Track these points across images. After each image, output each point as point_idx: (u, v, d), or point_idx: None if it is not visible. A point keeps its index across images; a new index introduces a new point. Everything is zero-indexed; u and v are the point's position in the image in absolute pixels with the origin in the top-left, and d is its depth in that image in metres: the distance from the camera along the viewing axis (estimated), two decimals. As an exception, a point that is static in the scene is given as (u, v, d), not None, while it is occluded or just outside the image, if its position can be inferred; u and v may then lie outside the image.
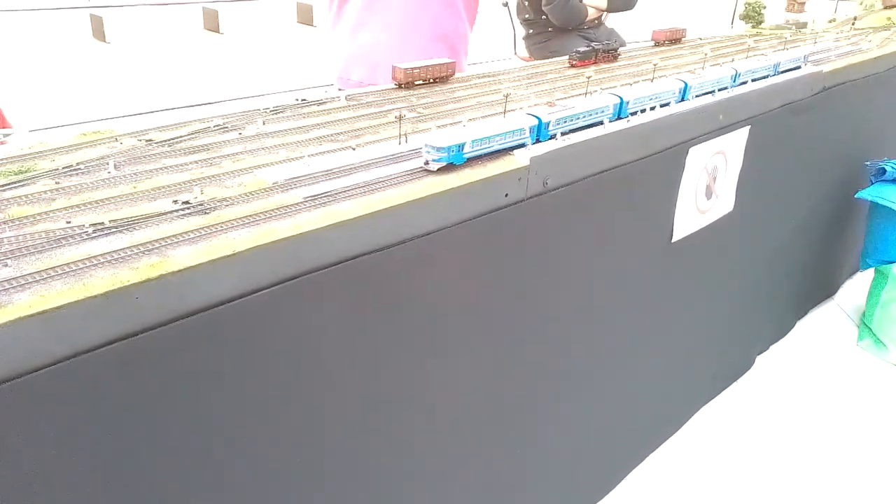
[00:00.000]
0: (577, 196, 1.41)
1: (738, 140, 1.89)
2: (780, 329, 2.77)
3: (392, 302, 1.11)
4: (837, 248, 2.97)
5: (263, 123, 1.35)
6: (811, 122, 2.24)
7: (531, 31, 3.44)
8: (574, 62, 1.99)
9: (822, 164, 2.54)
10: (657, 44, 2.35)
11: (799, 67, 2.10)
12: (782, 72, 2.03)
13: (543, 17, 3.30)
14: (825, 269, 3.02)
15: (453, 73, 1.74)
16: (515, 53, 3.42)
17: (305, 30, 9.71)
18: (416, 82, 1.68)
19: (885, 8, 3.48)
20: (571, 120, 1.38)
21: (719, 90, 1.77)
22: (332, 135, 1.31)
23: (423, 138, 1.22)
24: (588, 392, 1.74)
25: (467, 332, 1.29)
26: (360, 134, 1.33)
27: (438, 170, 1.16)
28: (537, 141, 1.32)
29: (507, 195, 1.25)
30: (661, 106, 1.59)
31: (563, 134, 1.36)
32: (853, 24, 3.04)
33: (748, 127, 1.90)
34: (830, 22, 3.14)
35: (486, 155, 1.22)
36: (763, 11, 2.77)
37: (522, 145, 1.28)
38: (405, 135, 1.29)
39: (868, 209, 2.73)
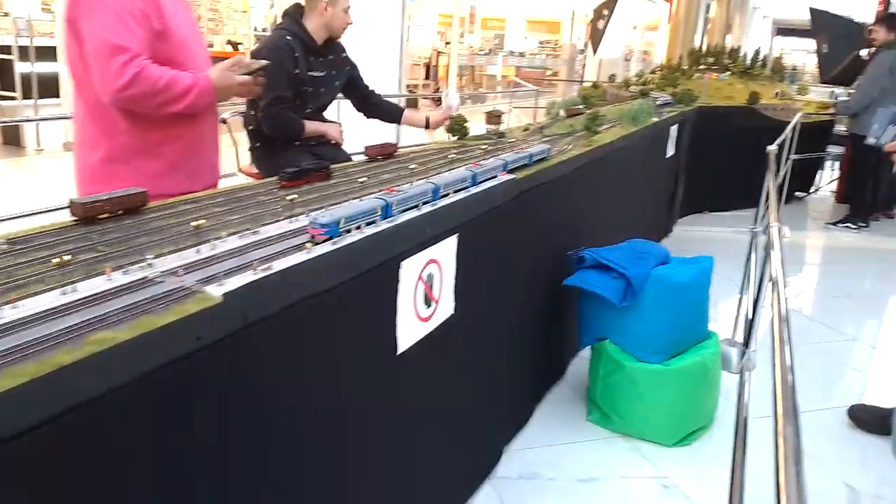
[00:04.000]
0: (287, 325, 1.35)
1: (448, 248, 2.00)
2: (521, 417, 2.92)
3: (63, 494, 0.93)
4: (560, 332, 3.26)
5: None
6: (514, 224, 2.46)
7: (258, 143, 3.43)
8: (284, 182, 1.98)
9: (532, 260, 2.79)
10: (370, 159, 2.44)
11: (496, 176, 2.30)
12: (482, 181, 2.21)
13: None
14: (553, 353, 3.28)
15: (145, 203, 1.62)
16: (239, 170, 3.36)
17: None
18: (101, 216, 1.53)
19: (569, 117, 4.05)
20: (406, 201, 1.73)
21: (423, 204, 1.86)
22: (-23, 292, 1.11)
23: (92, 283, 1.08)
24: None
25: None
26: (18, 287, 1.15)
27: (115, 321, 1.03)
28: (385, 218, 1.64)
29: (198, 339, 1.14)
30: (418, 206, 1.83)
31: (399, 213, 1.70)
32: (542, 132, 3.47)
33: (456, 235, 2.02)
34: (524, 131, 3.55)
35: (352, 230, 1.53)
36: (466, 125, 3.04)
37: (374, 222, 1.60)
38: (72, 282, 1.15)
39: (576, 294, 3.03)
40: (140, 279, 1.20)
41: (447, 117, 3.42)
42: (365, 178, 1.87)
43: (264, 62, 2.44)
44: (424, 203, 1.82)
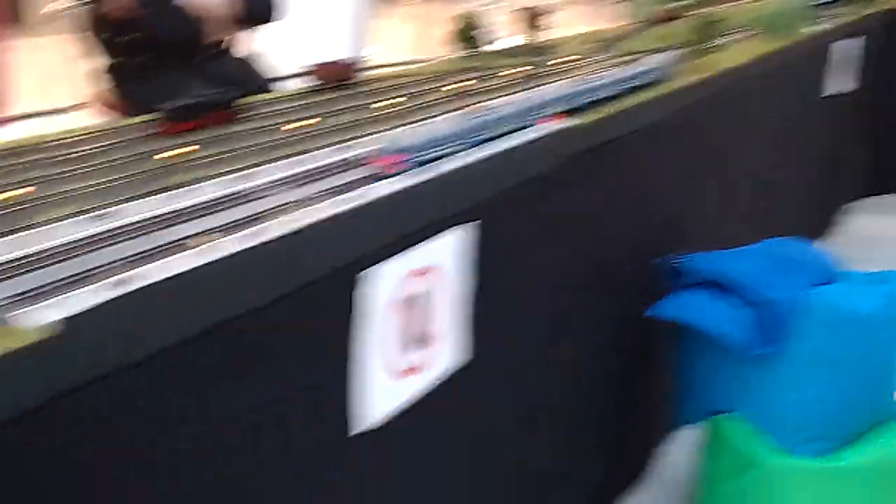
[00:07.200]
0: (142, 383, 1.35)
1: (454, 247, 2.00)
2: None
3: None
4: (640, 398, 3.27)
5: None
6: (567, 205, 2.49)
7: (117, 58, 3.42)
8: (164, 126, 2.01)
9: (596, 270, 2.80)
10: (315, 87, 2.50)
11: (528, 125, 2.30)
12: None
13: (137, 34, 3.31)
14: (628, 436, 3.29)
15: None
16: (96, 101, 3.41)
17: None
18: None
19: (657, 23, 4.07)
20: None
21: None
22: None
23: None
24: None
25: None
26: None
27: None
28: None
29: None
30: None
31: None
32: (612, 48, 3.49)
33: (476, 224, 2.03)
34: (587, 46, 3.57)
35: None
36: (476, 31, 3.06)
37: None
38: None
39: (671, 332, 3.01)
40: None
41: None
42: (298, 123, 1.85)
43: None
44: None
